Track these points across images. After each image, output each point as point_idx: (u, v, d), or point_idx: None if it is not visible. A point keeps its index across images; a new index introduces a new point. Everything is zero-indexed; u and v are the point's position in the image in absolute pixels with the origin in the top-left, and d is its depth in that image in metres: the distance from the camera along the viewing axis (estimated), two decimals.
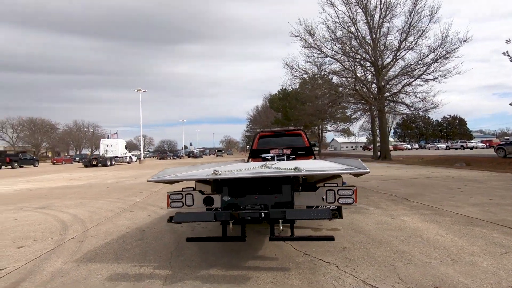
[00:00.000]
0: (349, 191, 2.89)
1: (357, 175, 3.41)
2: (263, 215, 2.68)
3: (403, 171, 12.99)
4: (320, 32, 23.40)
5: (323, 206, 3.06)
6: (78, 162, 39.24)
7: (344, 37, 23.42)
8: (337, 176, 3.39)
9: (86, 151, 78.51)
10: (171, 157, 61.52)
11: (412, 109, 24.67)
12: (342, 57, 23.88)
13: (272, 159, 7.53)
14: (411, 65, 23.05)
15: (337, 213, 2.76)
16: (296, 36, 23.08)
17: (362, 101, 25.15)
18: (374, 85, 24.93)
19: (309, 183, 3.74)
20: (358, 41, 23.71)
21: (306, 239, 3.16)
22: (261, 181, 3.00)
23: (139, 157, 40.20)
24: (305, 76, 25.05)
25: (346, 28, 23.30)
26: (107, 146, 31.41)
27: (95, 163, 27.88)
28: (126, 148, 34.69)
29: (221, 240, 2.86)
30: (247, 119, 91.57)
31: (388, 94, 24.87)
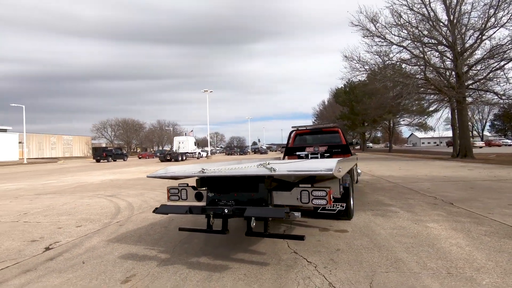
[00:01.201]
0: (323, 192, 2.87)
1: (321, 176, 3.23)
2: (226, 211, 2.89)
3: (475, 172, 11.20)
4: (384, 18, 21.48)
5: (302, 206, 3.09)
6: (158, 157, 44.55)
7: (414, 21, 21.03)
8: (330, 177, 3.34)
9: (167, 147, 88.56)
10: (238, 153, 64.51)
11: (504, 97, 20.73)
12: (411, 44, 21.50)
13: (306, 157, 7.51)
14: (502, 45, 19.37)
15: (289, 213, 2.77)
16: (357, 25, 21.70)
17: (436, 92, 22.24)
18: (451, 72, 21.77)
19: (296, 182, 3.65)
20: (431, 23, 20.99)
21: (278, 236, 3.18)
22: (240, 179, 3.19)
23: (210, 152, 43.39)
24: (366, 67, 23.34)
25: (416, 10, 20.87)
26: (179, 143, 34.91)
27: (169, 158, 31.34)
28: (195, 145, 38.00)
29: (206, 231, 3.17)
30: (313, 114, 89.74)
31: (470, 81, 21.43)
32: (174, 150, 34.69)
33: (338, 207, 4.13)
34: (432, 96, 24.51)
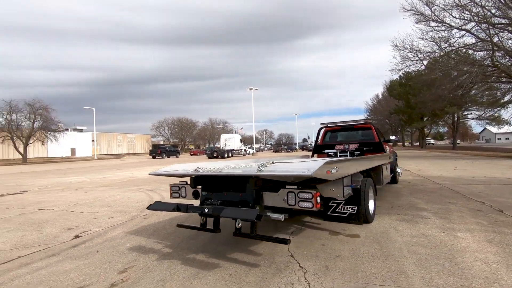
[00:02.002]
0: (309, 194, 2.68)
1: (301, 177, 2.95)
2: (206, 211, 2.88)
3: None
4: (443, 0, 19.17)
5: (291, 208, 2.93)
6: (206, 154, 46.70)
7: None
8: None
9: (217, 145, 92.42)
10: (285, 150, 64.22)
11: None
12: (476, 26, 18.87)
13: (335, 155, 7.15)
14: None
15: (262, 216, 2.61)
16: (409, 10, 19.81)
17: (510, 79, 19.20)
18: None
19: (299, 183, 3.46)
20: (504, 0, 18.11)
21: (263, 238, 3.02)
22: (229, 179, 3.15)
23: (258, 149, 44.04)
24: (420, 56, 21.15)
25: None
26: (226, 140, 36.10)
27: (216, 155, 32.64)
28: (241, 142, 38.89)
29: (199, 229, 3.22)
30: (366, 109, 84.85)
31: None
32: (221, 148, 35.97)
33: (348, 210, 3.84)
34: (505, 85, 21.27)
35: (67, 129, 57.92)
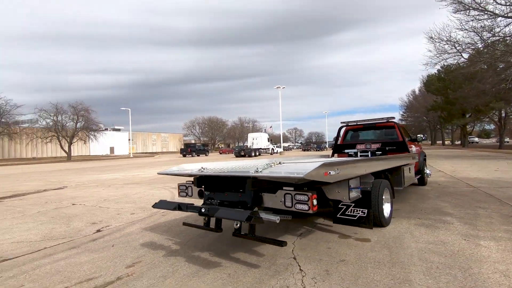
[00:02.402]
0: (305, 196, 2.61)
1: (290, 179, 2.85)
2: (203, 210, 2.92)
3: None
4: None
5: (289, 209, 2.88)
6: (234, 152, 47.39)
7: None
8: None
9: (247, 143, 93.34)
10: (314, 149, 63.13)
11: None
12: None
13: (355, 155, 6.92)
14: None
15: (253, 217, 2.56)
16: None
17: None
18: None
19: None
20: None
21: (260, 239, 2.96)
22: (230, 179, 3.17)
23: (286, 148, 43.78)
24: (458, 47, 19.60)
25: None
26: (253, 139, 36.31)
27: (243, 154, 33.00)
28: (268, 141, 38.91)
29: (203, 228, 3.29)
30: (401, 106, 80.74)
31: None
32: (249, 146, 36.28)
33: (358, 213, 3.69)
34: None
35: (106, 129, 61.95)
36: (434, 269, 2.77)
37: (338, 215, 3.82)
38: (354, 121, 7.34)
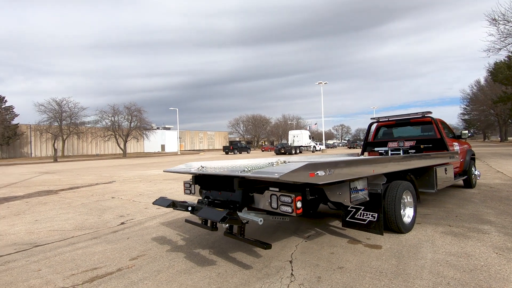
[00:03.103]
0: (289, 198, 2.46)
1: (271, 180, 2.65)
2: (189, 209, 2.92)
3: None
4: None
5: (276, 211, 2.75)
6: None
7: None
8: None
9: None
10: (361, 146, 60.09)
11: None
12: None
13: (386, 153, 6.43)
14: None
15: (227, 218, 2.44)
16: None
17: None
18: None
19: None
20: None
21: (247, 241, 2.84)
22: (222, 179, 3.13)
23: (330, 145, 42.38)
24: None
25: None
26: (294, 136, 35.79)
27: (283, 151, 32.78)
28: (310, 138, 38.02)
29: (201, 226, 3.32)
30: (463, 98, 72.74)
31: None
32: (289, 144, 35.91)
33: (368, 217, 3.39)
34: None
35: (158, 128, 66.48)
36: (443, 285, 2.43)
37: (347, 218, 3.56)
38: (386, 117, 6.78)
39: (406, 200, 3.96)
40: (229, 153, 42.03)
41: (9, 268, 3.19)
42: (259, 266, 2.96)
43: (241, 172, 2.78)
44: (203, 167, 3.53)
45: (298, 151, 33.97)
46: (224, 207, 3.04)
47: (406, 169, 3.93)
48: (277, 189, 2.74)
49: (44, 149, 50.67)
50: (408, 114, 6.40)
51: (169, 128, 79.87)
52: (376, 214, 3.30)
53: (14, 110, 47.55)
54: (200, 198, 3.64)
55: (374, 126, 7.12)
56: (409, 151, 6.08)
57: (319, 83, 36.07)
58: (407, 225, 3.80)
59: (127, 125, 44.65)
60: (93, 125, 48.00)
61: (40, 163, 31.64)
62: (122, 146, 44.39)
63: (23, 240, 4.23)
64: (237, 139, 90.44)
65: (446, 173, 5.12)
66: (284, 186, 2.89)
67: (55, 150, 35.92)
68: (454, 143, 6.37)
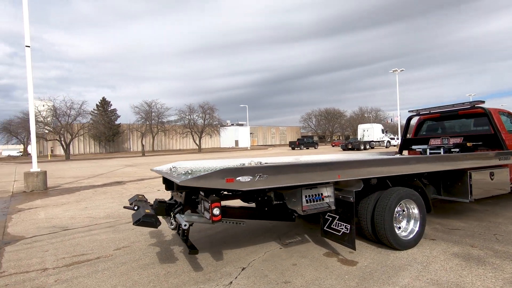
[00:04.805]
0: (207, 204, 2.32)
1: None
2: (135, 208, 2.99)
3: None
4: None
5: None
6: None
7: None
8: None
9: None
10: None
11: None
12: None
13: (424, 152, 5.50)
14: None
15: (140, 220, 2.36)
16: None
17: None
18: None
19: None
20: None
21: (184, 241, 2.88)
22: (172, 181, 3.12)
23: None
24: None
25: None
26: (364, 131, 33.10)
27: (351, 147, 30.69)
28: (383, 133, 34.52)
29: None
30: None
31: None
32: (359, 139, 33.39)
33: (342, 229, 2.94)
34: None
35: (233, 124, 70.33)
36: None
37: (324, 227, 3.18)
38: (427, 109, 5.69)
39: (406, 211, 3.32)
40: (295, 148, 41.59)
41: (31, 246, 3.91)
42: (210, 270, 2.92)
43: (183, 175, 2.79)
44: (174, 168, 3.64)
45: (368, 147, 31.28)
46: (177, 208, 3.09)
47: (405, 174, 3.28)
48: (203, 194, 2.65)
49: (139, 144, 59.60)
50: (455, 104, 5.26)
51: (242, 124, 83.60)
52: (349, 225, 2.87)
53: (117, 112, 57.07)
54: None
55: (415, 121, 6.09)
56: (452, 150, 5.00)
57: (393, 70, 32.15)
58: (403, 241, 3.19)
59: (201, 122, 48.67)
60: (174, 123, 53.83)
61: (131, 157, 37.25)
62: (197, 142, 48.64)
63: (62, 223, 5.11)
64: (309, 134, 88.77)
65: (492, 179, 4.05)
66: (234, 191, 2.77)
67: (143, 145, 41.68)
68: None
